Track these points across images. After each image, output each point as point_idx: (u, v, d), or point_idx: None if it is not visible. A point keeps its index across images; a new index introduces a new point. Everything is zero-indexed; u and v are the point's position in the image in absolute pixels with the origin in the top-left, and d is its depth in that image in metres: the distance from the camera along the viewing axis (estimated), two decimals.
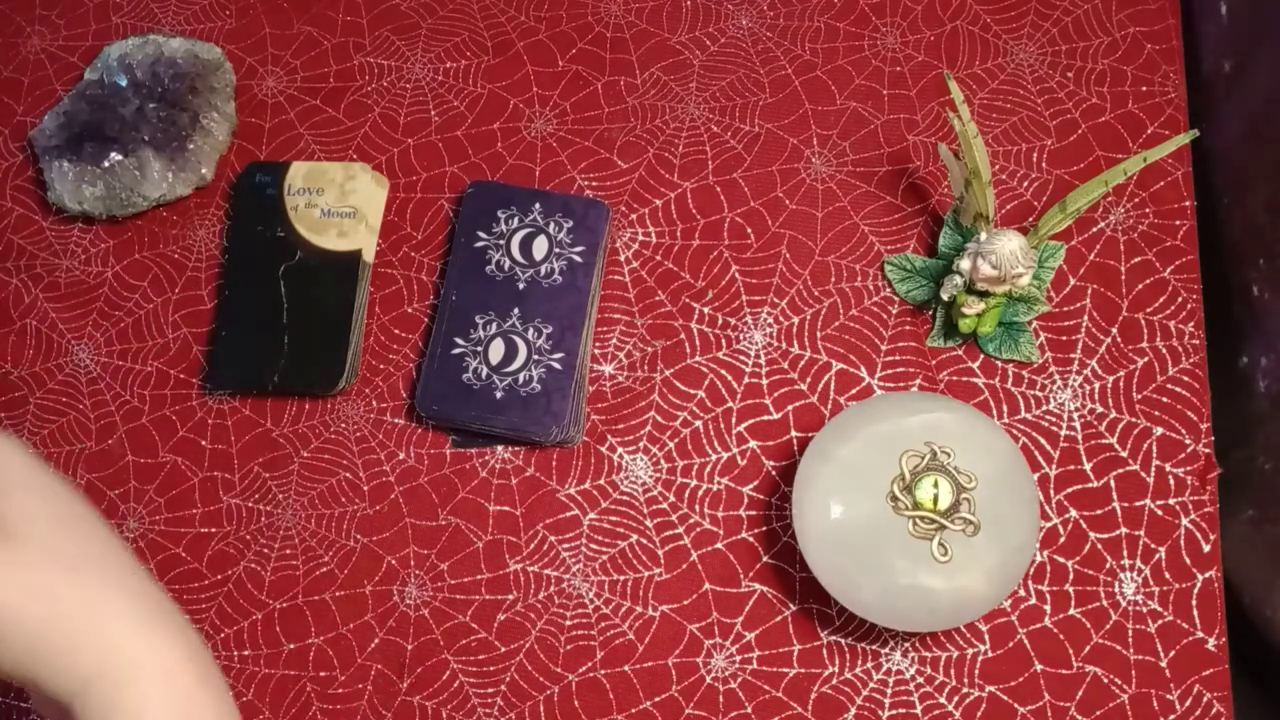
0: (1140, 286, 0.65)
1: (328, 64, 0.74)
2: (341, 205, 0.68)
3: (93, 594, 0.36)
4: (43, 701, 0.36)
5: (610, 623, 0.62)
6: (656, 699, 0.60)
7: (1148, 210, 0.66)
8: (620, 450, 0.64)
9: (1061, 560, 0.61)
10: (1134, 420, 0.63)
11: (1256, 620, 0.63)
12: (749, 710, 0.60)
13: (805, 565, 0.57)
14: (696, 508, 0.63)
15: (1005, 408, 0.64)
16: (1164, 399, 0.63)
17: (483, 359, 0.64)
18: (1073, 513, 0.62)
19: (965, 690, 0.59)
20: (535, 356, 0.63)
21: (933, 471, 0.54)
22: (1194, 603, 0.60)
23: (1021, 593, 0.60)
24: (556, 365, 0.63)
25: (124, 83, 0.71)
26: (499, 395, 0.63)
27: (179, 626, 0.38)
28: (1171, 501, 0.61)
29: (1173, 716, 0.58)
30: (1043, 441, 0.63)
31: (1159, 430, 0.63)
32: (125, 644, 0.36)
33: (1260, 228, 0.63)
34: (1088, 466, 0.62)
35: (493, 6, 0.74)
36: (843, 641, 0.61)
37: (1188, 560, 0.61)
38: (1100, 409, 0.63)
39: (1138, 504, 0.61)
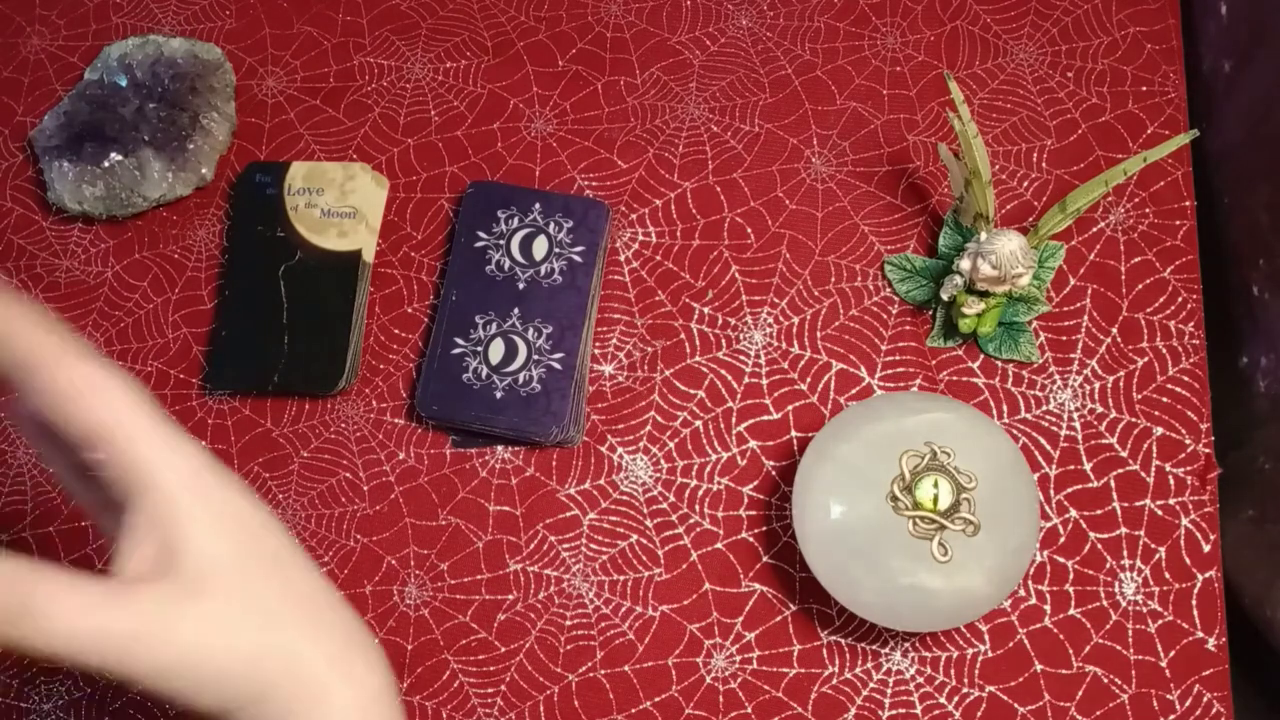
0: (1140, 286, 0.65)
1: (328, 64, 0.74)
2: (341, 205, 0.68)
3: (287, 634, 0.36)
4: None
5: (610, 623, 0.62)
6: (656, 699, 0.60)
7: (1148, 210, 0.66)
8: (620, 450, 0.64)
9: (1061, 560, 0.61)
10: (1134, 420, 0.63)
11: (1256, 620, 0.63)
12: (749, 710, 0.60)
13: (805, 565, 0.57)
14: (696, 508, 0.63)
15: (1005, 408, 0.64)
16: (1164, 399, 0.63)
17: (483, 359, 0.64)
18: (1073, 513, 0.62)
19: (965, 690, 0.59)
20: (535, 356, 0.63)
21: (933, 471, 0.54)
22: (1194, 603, 0.60)
23: (1021, 593, 0.60)
24: (556, 365, 0.63)
25: (124, 83, 0.71)
26: (499, 395, 0.63)
27: (369, 660, 0.38)
28: (1171, 501, 0.61)
29: (1173, 716, 0.58)
30: (1043, 441, 0.63)
31: (1159, 430, 0.63)
32: (322, 682, 0.36)
33: (1260, 228, 0.63)
34: (1088, 466, 0.62)
35: (493, 6, 0.74)
36: (843, 641, 0.61)
37: (1188, 560, 0.61)
38: (1100, 409, 0.63)
39: (1138, 504, 0.61)
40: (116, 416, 0.35)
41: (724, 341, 0.66)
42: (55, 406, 0.35)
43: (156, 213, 0.71)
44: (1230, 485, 0.62)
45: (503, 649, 0.62)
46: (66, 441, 0.36)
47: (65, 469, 0.41)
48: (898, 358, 0.65)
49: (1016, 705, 0.59)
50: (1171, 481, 0.62)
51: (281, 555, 0.38)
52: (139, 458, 0.35)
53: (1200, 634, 0.59)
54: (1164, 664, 0.59)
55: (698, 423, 0.64)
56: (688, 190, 0.69)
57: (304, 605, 0.37)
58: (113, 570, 0.35)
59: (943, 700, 0.59)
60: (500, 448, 0.65)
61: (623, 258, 0.68)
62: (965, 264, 0.61)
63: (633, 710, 0.60)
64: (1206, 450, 0.62)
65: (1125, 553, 0.61)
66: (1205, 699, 0.59)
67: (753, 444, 0.64)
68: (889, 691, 0.60)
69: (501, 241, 0.66)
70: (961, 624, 0.58)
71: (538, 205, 0.66)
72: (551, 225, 0.66)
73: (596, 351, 0.66)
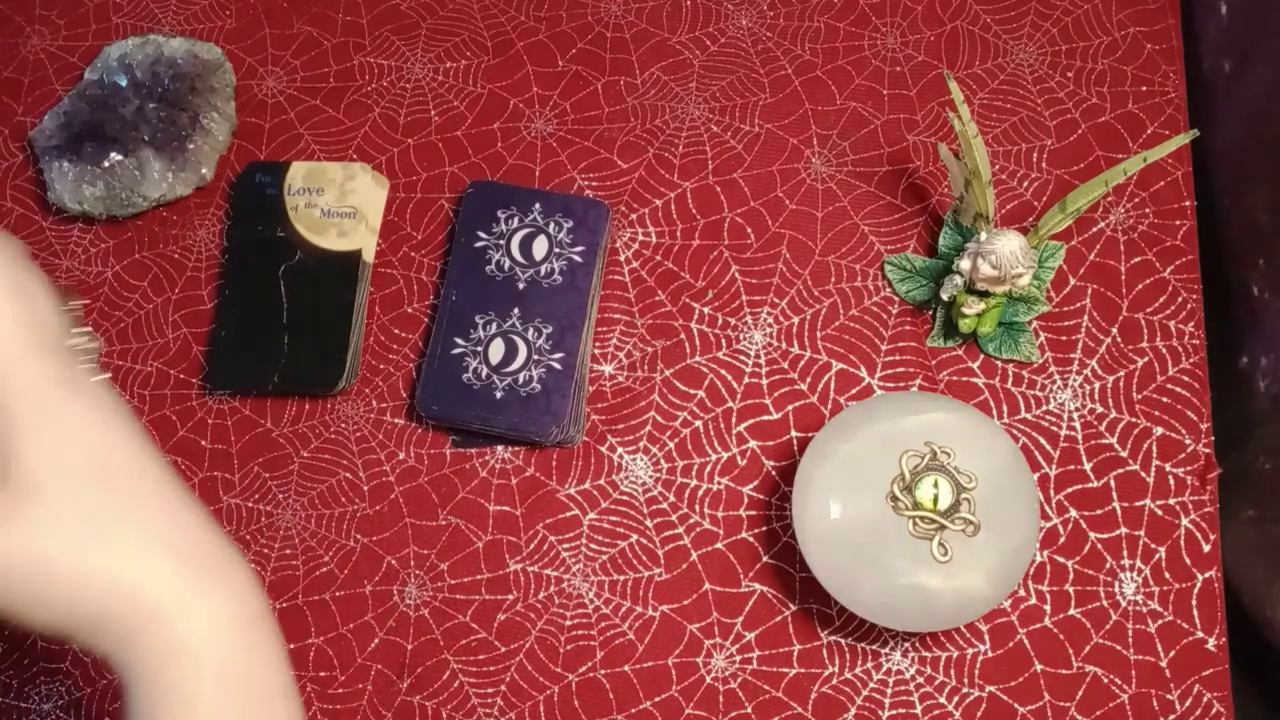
0: (1140, 286, 0.65)
1: (328, 64, 0.74)
2: (341, 205, 0.68)
3: (126, 550, 0.33)
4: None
5: (610, 623, 0.62)
6: (656, 699, 0.60)
7: (1148, 210, 0.66)
8: (620, 450, 0.64)
9: (1061, 560, 0.61)
10: (1134, 420, 0.63)
11: (1256, 620, 0.63)
12: (749, 710, 0.60)
13: (805, 565, 0.57)
14: (696, 508, 0.63)
15: (1005, 408, 0.64)
16: (1164, 399, 0.63)
17: (483, 359, 0.64)
18: (1073, 513, 0.62)
19: (965, 690, 0.59)
20: (535, 356, 0.63)
21: (933, 471, 0.54)
22: (1194, 603, 0.60)
23: (1021, 593, 0.60)
24: (556, 365, 0.63)
25: (124, 83, 0.71)
26: (499, 395, 0.63)
27: (224, 578, 0.35)
28: (1171, 501, 0.61)
29: (1173, 716, 0.58)
30: (1043, 441, 0.63)
31: (1159, 430, 0.63)
32: (167, 607, 0.33)
33: (1260, 228, 0.63)
34: (1088, 466, 0.62)
35: (493, 6, 0.74)
36: (843, 641, 0.61)
37: (1188, 560, 0.61)
38: (1100, 409, 0.63)
39: (1138, 504, 0.61)
40: None
41: (724, 341, 0.66)
42: None
43: (156, 213, 0.71)
44: (1230, 485, 0.62)
45: (503, 649, 0.62)
46: None
47: None
48: (898, 358, 0.65)
49: (1016, 705, 0.59)
50: (1171, 481, 0.62)
51: (139, 473, 0.34)
52: None
53: (1200, 634, 0.59)
54: (1164, 664, 0.59)
55: (698, 423, 0.65)
56: (688, 190, 0.69)
57: (155, 525, 0.34)
58: None
59: (943, 700, 0.59)
60: (500, 448, 0.65)
61: (623, 258, 0.68)
62: (965, 264, 0.61)
63: (633, 710, 0.60)
64: (1206, 450, 0.62)
65: (1125, 553, 0.61)
66: (1205, 699, 0.59)
67: (753, 444, 0.64)
68: (889, 691, 0.60)
69: (501, 241, 0.66)
70: (961, 624, 0.58)
71: (538, 205, 0.66)
72: (551, 225, 0.66)
73: (596, 351, 0.66)
